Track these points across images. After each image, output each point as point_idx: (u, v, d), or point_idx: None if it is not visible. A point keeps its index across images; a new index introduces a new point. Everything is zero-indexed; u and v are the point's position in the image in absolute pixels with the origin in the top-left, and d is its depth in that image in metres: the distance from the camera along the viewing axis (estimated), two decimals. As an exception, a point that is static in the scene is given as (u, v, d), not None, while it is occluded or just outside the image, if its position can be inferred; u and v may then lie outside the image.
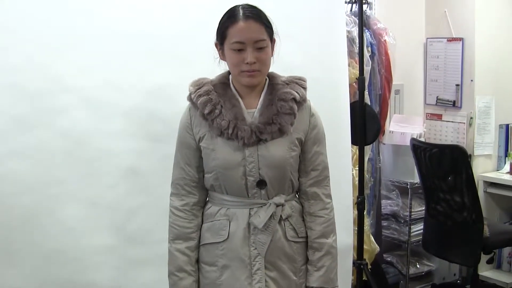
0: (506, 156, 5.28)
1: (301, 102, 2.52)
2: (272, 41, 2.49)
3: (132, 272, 3.09)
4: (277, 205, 2.49)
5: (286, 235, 2.53)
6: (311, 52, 3.63)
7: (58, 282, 2.96)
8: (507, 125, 5.29)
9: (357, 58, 4.17)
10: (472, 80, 5.08)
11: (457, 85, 5.15)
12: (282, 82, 2.54)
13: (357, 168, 4.15)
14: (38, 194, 2.90)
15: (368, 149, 4.42)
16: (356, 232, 4.04)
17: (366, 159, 4.37)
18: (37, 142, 2.90)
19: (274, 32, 2.49)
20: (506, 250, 5.30)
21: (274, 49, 2.52)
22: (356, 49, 4.21)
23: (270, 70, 2.55)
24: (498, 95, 5.21)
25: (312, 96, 3.59)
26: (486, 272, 5.25)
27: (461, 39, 5.09)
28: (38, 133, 2.90)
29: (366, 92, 4.22)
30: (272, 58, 2.51)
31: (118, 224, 3.06)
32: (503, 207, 5.30)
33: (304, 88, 2.55)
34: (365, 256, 4.25)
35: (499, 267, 5.37)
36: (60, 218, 2.95)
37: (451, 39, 5.14)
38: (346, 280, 3.89)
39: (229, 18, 2.43)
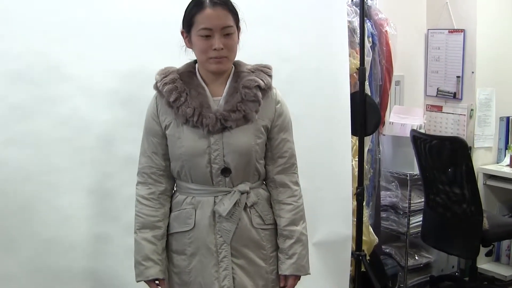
0: (506, 148, 5.27)
1: (266, 89, 2.52)
2: (238, 28, 2.50)
3: (129, 261, 2.99)
4: (242, 193, 2.51)
5: (252, 223, 2.55)
6: (311, 42, 3.62)
7: (55, 270, 2.97)
8: (508, 118, 5.27)
9: (357, 48, 4.15)
10: (473, 72, 5.06)
11: (458, 77, 5.13)
12: (247, 70, 2.55)
13: (357, 159, 4.14)
14: (36, 182, 2.91)
15: (368, 140, 4.41)
16: (355, 223, 4.03)
17: (365, 150, 4.36)
18: (35, 130, 2.90)
19: (240, 19, 2.50)
20: (505, 243, 5.29)
21: (240, 37, 2.53)
22: (357, 39, 4.19)
23: (237, 58, 2.57)
24: (499, 87, 5.19)
25: (312, 86, 3.62)
26: (484, 264, 5.24)
27: (462, 30, 5.06)
28: (37, 121, 2.91)
29: (367, 83, 4.20)
30: (238, 45, 2.52)
31: (116, 213, 3.08)
32: (503, 199, 5.29)
33: (270, 76, 2.56)
34: (364, 247, 4.25)
35: (497, 259, 5.37)
36: (58, 206, 2.96)
37: (452, 31, 5.12)
38: (344, 271, 3.90)
39: (196, 5, 2.44)
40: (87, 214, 3.02)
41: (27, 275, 2.91)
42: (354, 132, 3.93)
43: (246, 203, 2.53)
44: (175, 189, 2.64)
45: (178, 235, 2.57)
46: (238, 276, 2.51)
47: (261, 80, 2.50)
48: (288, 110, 2.62)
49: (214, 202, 2.51)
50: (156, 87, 2.54)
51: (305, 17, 3.58)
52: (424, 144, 4.46)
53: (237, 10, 2.47)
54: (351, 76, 3.99)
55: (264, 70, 2.56)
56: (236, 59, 2.55)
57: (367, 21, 4.40)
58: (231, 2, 2.46)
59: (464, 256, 4.86)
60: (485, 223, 4.27)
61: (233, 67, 2.56)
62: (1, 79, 2.83)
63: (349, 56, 3.97)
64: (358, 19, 4.13)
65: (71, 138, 2.97)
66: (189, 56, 2.58)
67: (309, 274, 2.65)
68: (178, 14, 3.06)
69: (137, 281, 2.58)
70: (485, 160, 5.24)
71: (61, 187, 2.96)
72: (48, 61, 2.91)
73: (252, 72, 2.53)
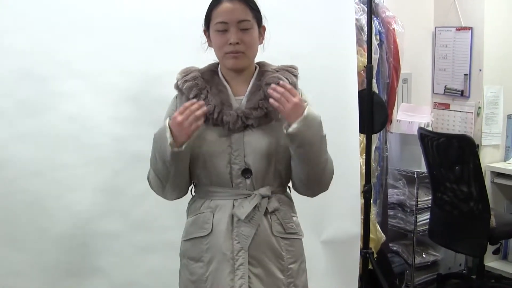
0: (513, 146, 5.26)
1: None
2: (261, 27, 2.45)
3: (137, 258, 3.09)
4: (263, 197, 2.38)
5: (272, 230, 2.40)
6: (320, 39, 3.61)
7: (63, 267, 2.97)
8: (515, 115, 5.26)
9: (365, 46, 4.14)
10: (480, 70, 5.05)
11: (465, 74, 5.12)
12: (272, 70, 2.47)
13: (364, 157, 4.13)
14: (44, 179, 2.90)
15: (375, 138, 4.40)
16: (362, 221, 4.02)
17: (373, 147, 4.35)
18: (43, 126, 2.90)
19: (263, 16, 2.44)
20: (512, 241, 5.28)
21: (264, 36, 2.47)
22: (365, 37, 4.18)
23: (262, 60, 2.51)
24: (506, 85, 5.18)
25: (320, 84, 3.60)
26: (492, 262, 5.23)
27: (470, 28, 5.05)
28: (45, 117, 2.90)
29: (374, 81, 4.19)
30: (263, 46, 2.46)
31: (124, 210, 3.07)
32: (510, 197, 5.28)
33: (295, 76, 2.49)
34: (371, 245, 4.24)
35: (505, 257, 5.36)
36: (66, 203, 2.95)
37: (460, 28, 5.11)
38: (353, 269, 3.89)
39: (215, 0, 2.39)
40: (96, 211, 3.01)
41: (36, 272, 2.91)
42: (361, 130, 3.92)
43: (267, 208, 2.39)
44: (193, 194, 2.55)
45: (195, 241, 2.43)
46: (255, 286, 2.35)
47: (286, 78, 2.42)
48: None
49: (233, 205, 2.37)
50: (176, 85, 2.48)
51: (313, 14, 3.58)
52: (432, 142, 4.45)
53: (258, 7, 2.41)
54: (358, 74, 3.98)
55: (289, 70, 2.48)
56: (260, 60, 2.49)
57: (375, 18, 4.39)
58: None
59: (472, 254, 4.85)
60: (493, 221, 4.26)
61: (258, 67, 2.49)
62: (9, 75, 2.83)
63: (357, 53, 3.96)
64: (366, 16, 4.12)
65: (79, 135, 2.96)
66: (209, 55, 2.51)
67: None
68: (188, 12, 3.07)
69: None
70: (492, 158, 5.22)
71: (70, 184, 2.95)
72: (56, 58, 2.90)
73: (277, 71, 2.46)
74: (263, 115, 2.38)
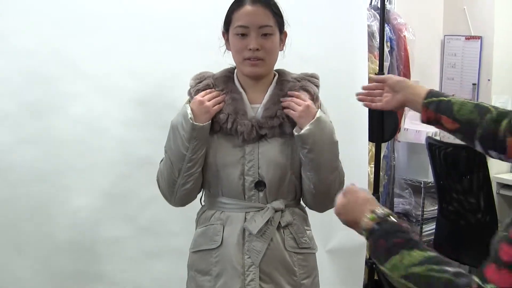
0: (521, 157, 5.20)
1: (312, 100, 2.32)
2: (283, 33, 2.34)
3: (144, 265, 3.05)
4: (276, 210, 2.29)
5: (285, 244, 2.31)
6: (331, 44, 3.56)
7: (68, 273, 2.92)
8: (523, 126, 5.20)
9: (376, 53, 4.10)
10: (489, 80, 5.01)
11: (474, 84, 5.08)
12: (292, 79, 2.37)
13: (372, 165, 4.08)
14: (49, 183, 2.85)
15: (383, 146, 4.36)
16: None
17: (381, 156, 4.30)
18: (49, 129, 2.85)
19: (285, 23, 2.34)
20: (518, 253, 5.22)
21: (285, 43, 2.37)
22: (376, 44, 4.14)
23: (281, 67, 2.42)
24: (515, 95, 5.14)
25: (330, 89, 3.50)
26: (497, 274, 5.17)
27: (479, 37, 5.01)
28: (50, 119, 2.85)
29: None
30: (283, 52, 2.36)
31: (130, 215, 3.03)
32: (516, 209, 5.23)
33: (317, 86, 2.39)
34: (377, 255, 4.18)
35: (510, 270, 5.30)
36: (72, 208, 2.90)
37: (469, 37, 5.07)
38: (358, 279, 3.85)
39: (237, 2, 2.29)
40: (102, 216, 2.96)
41: (40, 279, 2.87)
42: (370, 138, 3.87)
43: (279, 222, 2.30)
44: (202, 203, 2.46)
45: (204, 253, 2.34)
46: None
47: (307, 89, 2.33)
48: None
49: (245, 218, 2.28)
50: (189, 93, 2.38)
51: (325, 19, 3.53)
52: (439, 151, 4.39)
53: (282, 12, 2.30)
54: (369, 80, 3.93)
55: (311, 80, 2.39)
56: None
57: (386, 25, 4.35)
58: (275, 2, 2.29)
59: (477, 266, 4.79)
60: (500, 233, 4.20)
61: (277, 74, 2.39)
62: (15, 76, 2.77)
63: (367, 60, 3.90)
64: (377, 23, 4.08)
65: (85, 138, 2.91)
66: (227, 59, 2.41)
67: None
68: (197, 13, 3.10)
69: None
70: (499, 169, 5.17)
71: (75, 188, 2.91)
72: (63, 59, 2.85)
73: (298, 81, 2.36)
74: (277, 125, 2.29)
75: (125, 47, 2.98)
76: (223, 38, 2.38)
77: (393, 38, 4.45)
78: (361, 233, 1.54)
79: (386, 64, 4.28)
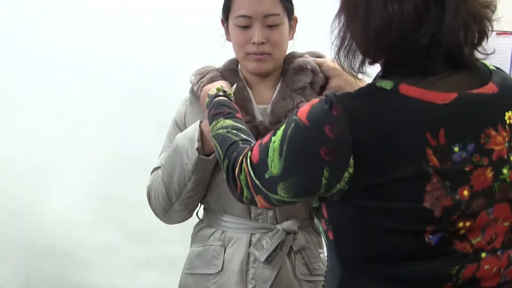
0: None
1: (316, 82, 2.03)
2: (293, 19, 2.02)
3: (132, 274, 2.96)
4: (288, 233, 2.00)
5: (295, 272, 2.02)
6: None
7: (48, 283, 2.88)
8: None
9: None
10: (521, 78, 4.75)
11: (505, 82, 4.83)
12: (297, 65, 2.04)
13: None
14: (28, 181, 2.82)
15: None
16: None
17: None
18: (30, 121, 2.83)
19: (295, 8, 2.02)
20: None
21: (295, 29, 2.04)
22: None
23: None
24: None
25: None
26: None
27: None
28: (32, 111, 2.81)
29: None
30: (292, 41, 2.03)
31: (117, 219, 2.93)
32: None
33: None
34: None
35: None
36: (53, 208, 2.82)
37: (500, 33, 4.81)
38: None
39: None
40: (85, 218, 2.89)
41: (18, 286, 2.83)
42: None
43: (291, 247, 2.01)
44: (200, 217, 2.14)
45: (200, 277, 2.04)
46: None
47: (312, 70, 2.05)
48: None
49: (250, 240, 1.99)
50: (191, 90, 2.06)
51: (332, 11, 3.33)
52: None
53: None
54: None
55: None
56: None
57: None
58: None
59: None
60: None
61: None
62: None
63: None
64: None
65: (68, 133, 2.83)
66: (227, 51, 2.09)
67: None
68: (192, 3, 3.00)
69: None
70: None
71: (57, 187, 2.84)
72: (45, 45, 2.82)
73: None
74: None
75: (114, 36, 2.95)
76: (222, 26, 2.05)
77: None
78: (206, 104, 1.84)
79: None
